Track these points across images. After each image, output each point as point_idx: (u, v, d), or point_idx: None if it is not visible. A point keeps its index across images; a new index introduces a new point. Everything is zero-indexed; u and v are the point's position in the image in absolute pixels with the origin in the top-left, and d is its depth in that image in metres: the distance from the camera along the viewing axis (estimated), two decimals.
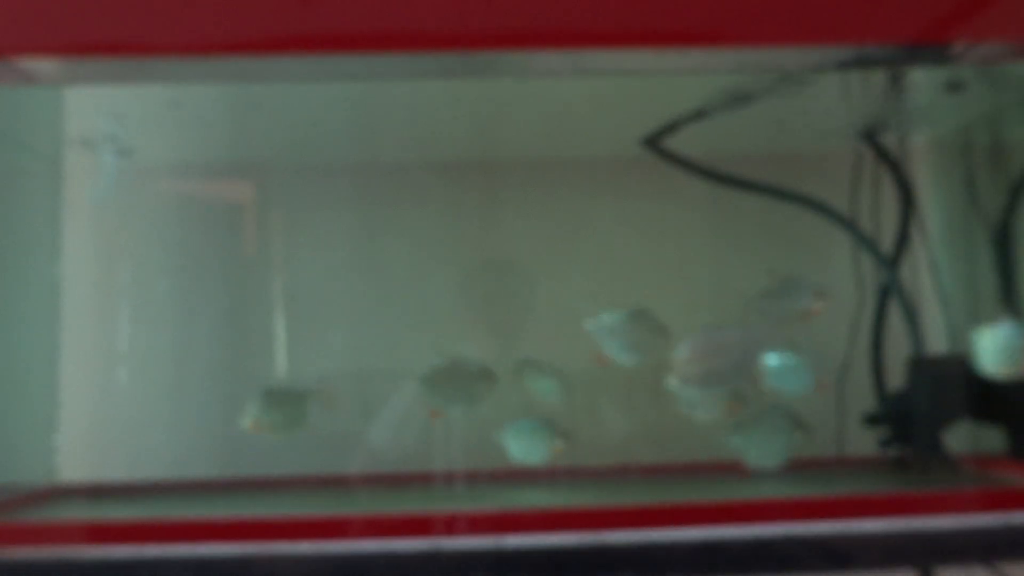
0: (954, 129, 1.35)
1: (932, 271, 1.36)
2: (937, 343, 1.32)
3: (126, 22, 0.95)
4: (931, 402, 1.21)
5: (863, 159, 1.38)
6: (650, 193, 1.41)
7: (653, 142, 1.29)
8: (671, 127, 1.26)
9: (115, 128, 1.22)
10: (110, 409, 1.34)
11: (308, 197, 1.42)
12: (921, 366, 1.23)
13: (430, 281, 1.40)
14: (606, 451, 1.27)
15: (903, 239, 1.31)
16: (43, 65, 0.98)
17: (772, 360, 1.17)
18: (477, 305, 1.37)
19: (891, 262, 1.30)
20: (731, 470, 1.22)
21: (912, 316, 1.26)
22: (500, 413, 1.19)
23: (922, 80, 1.12)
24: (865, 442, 1.29)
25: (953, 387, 1.22)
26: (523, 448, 1.15)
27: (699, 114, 1.20)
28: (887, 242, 1.33)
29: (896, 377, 1.29)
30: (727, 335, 1.11)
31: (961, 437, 1.27)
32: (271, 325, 1.39)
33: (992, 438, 1.24)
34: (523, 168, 1.41)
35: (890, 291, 1.30)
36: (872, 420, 1.27)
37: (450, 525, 0.95)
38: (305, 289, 1.42)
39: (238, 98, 1.17)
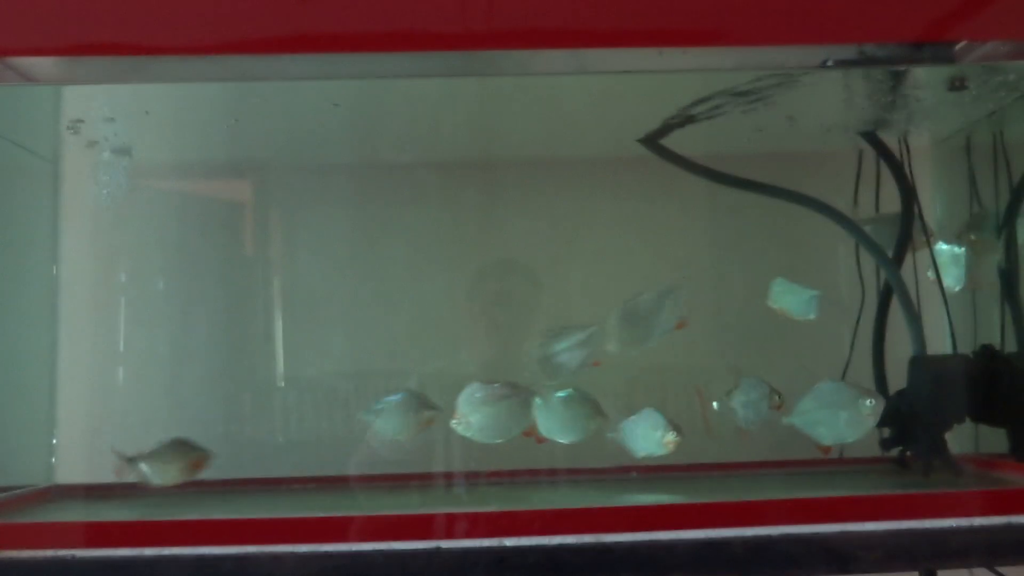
0: (956, 128, 1.35)
1: (934, 270, 1.36)
2: (939, 343, 1.32)
3: (126, 22, 0.95)
4: (933, 403, 1.20)
5: (865, 158, 1.38)
6: (649, 192, 1.41)
7: (653, 141, 1.29)
8: (665, 129, 1.26)
9: (113, 125, 1.22)
10: (108, 410, 1.34)
11: (306, 196, 1.42)
12: (923, 366, 1.23)
13: (429, 281, 1.40)
14: None
15: (905, 238, 1.30)
16: (42, 64, 0.99)
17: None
18: (477, 305, 1.37)
19: (893, 261, 1.30)
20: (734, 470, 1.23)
21: (914, 316, 1.25)
22: None
23: (924, 79, 1.12)
24: (867, 443, 1.28)
25: (955, 387, 1.22)
26: (640, 440, 1.14)
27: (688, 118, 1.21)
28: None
29: (898, 377, 1.29)
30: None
31: (963, 438, 1.27)
32: (270, 325, 1.40)
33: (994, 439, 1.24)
34: (523, 167, 1.42)
35: (892, 291, 1.30)
36: None
37: (450, 525, 0.95)
38: (304, 289, 1.42)
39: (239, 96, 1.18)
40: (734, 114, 1.18)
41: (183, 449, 1.16)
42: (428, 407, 1.16)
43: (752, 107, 1.16)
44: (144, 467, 1.15)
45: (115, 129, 1.22)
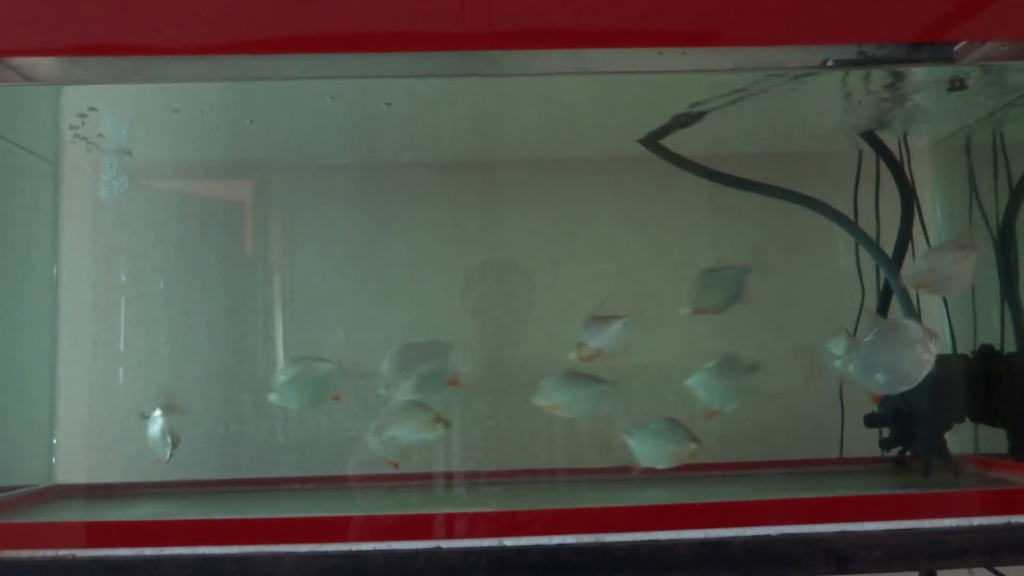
0: (956, 128, 1.35)
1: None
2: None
3: (126, 22, 0.95)
4: (932, 402, 1.20)
5: (865, 159, 1.38)
6: (649, 192, 1.42)
7: (653, 141, 1.29)
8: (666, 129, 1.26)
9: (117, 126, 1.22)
10: (108, 410, 1.34)
11: (306, 196, 1.43)
12: None
13: (429, 281, 1.40)
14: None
15: (904, 238, 1.30)
16: (42, 64, 0.99)
17: None
18: (470, 305, 1.37)
19: (893, 261, 1.30)
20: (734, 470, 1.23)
21: (913, 316, 1.25)
22: None
23: (924, 79, 1.12)
24: (867, 443, 1.28)
25: (954, 387, 1.22)
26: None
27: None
28: (889, 241, 1.32)
29: None
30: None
31: (962, 438, 1.27)
32: (271, 325, 1.40)
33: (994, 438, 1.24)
34: (523, 168, 1.42)
35: (891, 291, 1.30)
36: (873, 421, 1.26)
37: (450, 526, 0.95)
38: (304, 288, 1.42)
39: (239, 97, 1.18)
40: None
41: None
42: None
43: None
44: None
45: (117, 127, 1.22)
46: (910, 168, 1.33)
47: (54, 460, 1.31)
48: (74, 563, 0.92)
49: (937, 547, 0.94)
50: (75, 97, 1.13)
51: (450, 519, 0.95)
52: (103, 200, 1.31)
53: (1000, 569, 1.05)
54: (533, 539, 0.93)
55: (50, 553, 0.93)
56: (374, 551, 0.93)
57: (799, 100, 1.15)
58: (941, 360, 1.27)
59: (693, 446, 1.12)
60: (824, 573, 0.92)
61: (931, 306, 1.34)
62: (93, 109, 1.15)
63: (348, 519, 0.96)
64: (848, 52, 1.00)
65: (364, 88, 1.11)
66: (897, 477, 1.24)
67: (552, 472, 1.27)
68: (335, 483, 1.26)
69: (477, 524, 0.95)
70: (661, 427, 1.13)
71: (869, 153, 1.36)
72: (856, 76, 1.08)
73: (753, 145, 1.37)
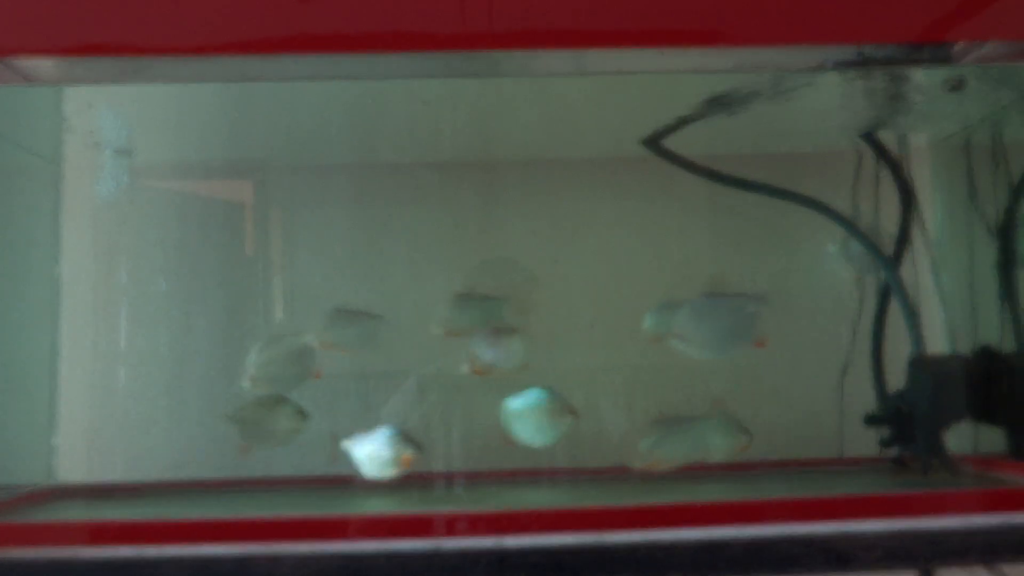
0: (955, 128, 1.35)
1: (933, 270, 1.36)
2: (938, 343, 1.32)
3: (126, 22, 0.95)
4: (932, 402, 1.21)
5: (864, 158, 1.38)
6: (649, 192, 1.42)
7: (653, 142, 1.29)
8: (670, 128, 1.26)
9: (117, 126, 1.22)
10: (108, 410, 1.34)
11: (306, 196, 1.43)
12: (922, 366, 1.23)
13: (428, 281, 1.40)
14: None
15: (903, 238, 1.31)
16: (43, 65, 0.99)
17: None
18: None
19: (891, 261, 1.30)
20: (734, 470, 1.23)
21: (913, 316, 1.25)
22: None
23: (922, 80, 1.12)
24: (866, 442, 1.29)
25: (954, 387, 1.22)
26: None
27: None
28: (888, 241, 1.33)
29: (897, 377, 1.29)
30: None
31: (962, 437, 1.27)
32: (271, 324, 1.40)
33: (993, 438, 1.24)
34: (522, 168, 1.42)
35: (891, 291, 1.30)
36: (872, 420, 1.26)
37: (450, 525, 0.95)
38: (304, 288, 1.42)
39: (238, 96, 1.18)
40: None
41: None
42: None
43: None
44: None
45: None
46: (910, 168, 1.33)
47: (54, 460, 1.31)
48: (74, 563, 0.92)
49: (936, 547, 0.94)
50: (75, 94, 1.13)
51: (450, 519, 0.95)
52: (102, 196, 1.31)
53: (1000, 569, 1.05)
54: (533, 539, 0.93)
55: (50, 553, 0.93)
56: (374, 551, 0.93)
57: (798, 100, 1.15)
58: (941, 360, 1.27)
59: (745, 438, 1.12)
60: (824, 573, 0.92)
61: (931, 307, 1.34)
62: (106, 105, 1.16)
63: (348, 519, 0.96)
64: (847, 53, 1.00)
65: (401, 87, 1.11)
66: (896, 476, 1.24)
67: (553, 472, 1.27)
68: (335, 483, 1.26)
69: (477, 524, 0.95)
70: (712, 421, 1.14)
71: (868, 153, 1.36)
72: (855, 76, 1.08)
73: (752, 145, 1.37)
